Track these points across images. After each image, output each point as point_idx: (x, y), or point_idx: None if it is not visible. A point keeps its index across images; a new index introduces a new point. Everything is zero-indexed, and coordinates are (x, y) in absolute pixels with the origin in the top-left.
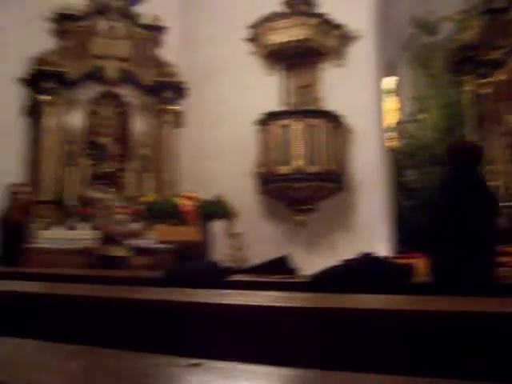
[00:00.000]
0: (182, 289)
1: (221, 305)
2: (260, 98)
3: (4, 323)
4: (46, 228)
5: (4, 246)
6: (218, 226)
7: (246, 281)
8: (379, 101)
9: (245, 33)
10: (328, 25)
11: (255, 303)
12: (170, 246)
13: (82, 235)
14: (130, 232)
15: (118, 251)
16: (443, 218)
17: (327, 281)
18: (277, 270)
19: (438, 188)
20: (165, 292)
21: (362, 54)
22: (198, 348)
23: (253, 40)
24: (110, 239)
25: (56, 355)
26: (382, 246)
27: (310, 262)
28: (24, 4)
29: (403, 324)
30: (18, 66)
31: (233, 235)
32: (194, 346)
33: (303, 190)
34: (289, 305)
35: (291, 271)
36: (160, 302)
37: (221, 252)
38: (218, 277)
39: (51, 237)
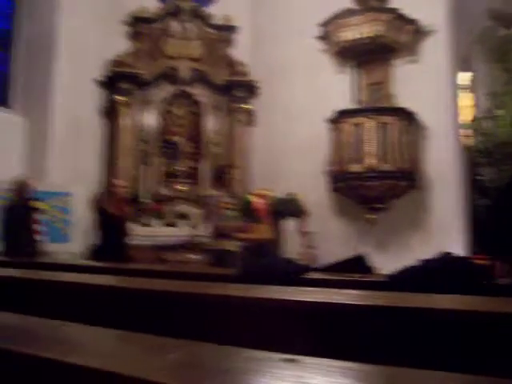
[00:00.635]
0: (260, 285)
1: (301, 302)
2: (331, 96)
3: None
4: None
5: (103, 240)
6: (289, 224)
7: (322, 279)
8: (454, 97)
9: (316, 30)
10: (400, 20)
11: (336, 301)
12: (241, 243)
13: (178, 232)
14: (239, 227)
15: (230, 246)
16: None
17: (406, 280)
18: (353, 269)
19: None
20: (244, 288)
21: (436, 49)
22: (280, 344)
23: (324, 38)
24: (221, 234)
25: (155, 348)
26: (455, 246)
27: (381, 261)
28: (100, 8)
29: (481, 325)
30: (96, 68)
31: (304, 233)
32: (275, 341)
33: (375, 188)
34: (370, 303)
35: (368, 270)
36: (241, 298)
37: (292, 250)
38: (294, 274)
39: (143, 233)
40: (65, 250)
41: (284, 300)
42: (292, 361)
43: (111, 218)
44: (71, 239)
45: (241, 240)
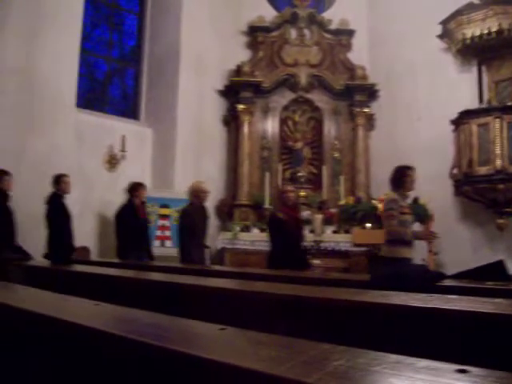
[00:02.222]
0: (395, 292)
1: (443, 310)
2: (455, 96)
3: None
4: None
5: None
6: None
7: (460, 286)
8: None
9: (436, 29)
10: None
11: (485, 310)
12: (366, 248)
13: None
14: (420, 234)
15: (406, 253)
16: None
17: None
18: (491, 276)
19: None
20: (379, 295)
21: None
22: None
23: (445, 36)
24: (398, 241)
25: (316, 355)
26: None
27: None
28: (220, 21)
29: None
30: (218, 79)
31: (429, 239)
32: (411, 349)
33: (506, 191)
34: None
35: (508, 277)
36: (375, 304)
37: (417, 256)
38: (430, 281)
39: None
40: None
41: (423, 308)
42: (464, 372)
43: (285, 225)
44: None
45: (367, 246)
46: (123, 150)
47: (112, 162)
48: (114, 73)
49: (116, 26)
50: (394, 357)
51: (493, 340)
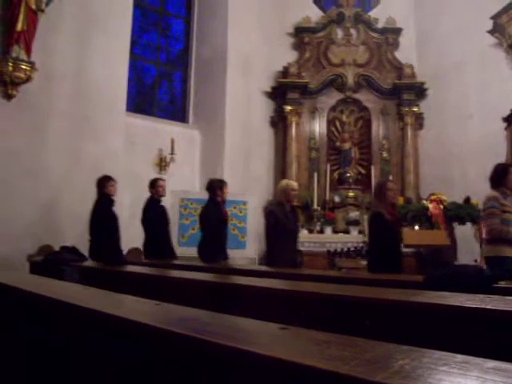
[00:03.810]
0: (451, 293)
1: (504, 312)
2: (507, 93)
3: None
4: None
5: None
6: (464, 230)
7: None
8: None
9: (487, 24)
10: None
11: None
12: (416, 249)
13: (350, 238)
14: None
15: (508, 252)
16: None
17: None
18: None
19: None
20: (435, 296)
21: None
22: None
23: (496, 31)
24: (499, 240)
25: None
26: None
27: None
28: (266, 23)
29: None
30: (265, 80)
31: (480, 240)
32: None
33: None
34: None
35: None
36: (432, 305)
37: (467, 257)
38: (486, 282)
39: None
40: (241, 256)
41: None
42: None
43: (385, 224)
44: (247, 246)
45: (414, 246)
46: (172, 153)
47: (162, 164)
48: (162, 77)
49: (163, 31)
50: (460, 357)
51: None
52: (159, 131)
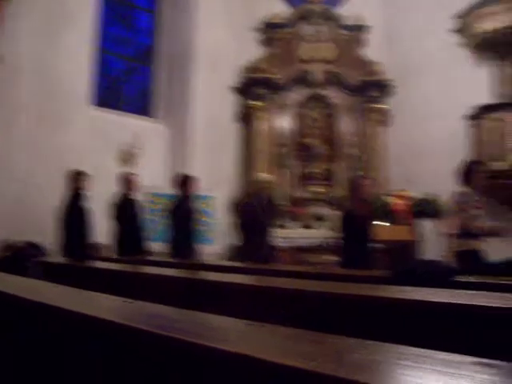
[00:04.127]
0: (416, 288)
1: (461, 305)
2: (469, 92)
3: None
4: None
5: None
6: (429, 225)
7: (474, 282)
8: None
9: (451, 23)
10: None
11: (494, 305)
12: (381, 244)
13: (315, 233)
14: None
15: (476, 245)
16: None
17: None
18: (505, 272)
19: None
20: (399, 290)
21: None
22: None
23: (461, 30)
24: (468, 234)
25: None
26: None
27: None
28: (234, 18)
29: None
30: (232, 76)
31: (444, 235)
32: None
33: None
34: None
35: None
36: (396, 300)
37: (431, 252)
38: (445, 277)
39: (281, 235)
40: (208, 252)
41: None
42: (481, 364)
43: (357, 220)
44: (213, 241)
45: (381, 242)
46: (139, 148)
47: (128, 159)
48: (130, 71)
49: (131, 25)
50: (414, 350)
51: (504, 334)
52: (126, 126)
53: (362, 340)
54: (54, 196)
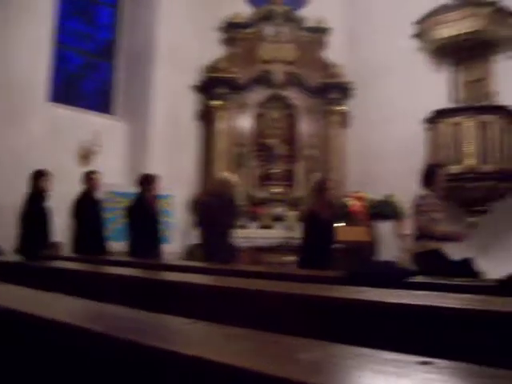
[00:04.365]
0: (371, 288)
1: (411, 305)
2: (428, 96)
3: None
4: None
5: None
6: (386, 227)
7: (430, 283)
8: None
9: (411, 29)
10: (501, 13)
11: (448, 305)
12: (338, 245)
13: (274, 234)
14: (450, 234)
15: (435, 245)
16: None
17: None
18: (459, 273)
19: None
20: (356, 291)
21: None
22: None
23: (420, 35)
24: (426, 236)
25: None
26: None
27: (482, 266)
28: (196, 17)
29: None
30: (193, 74)
31: (401, 236)
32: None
33: (475, 190)
34: (485, 308)
35: (475, 274)
36: (352, 300)
37: (388, 253)
38: (400, 278)
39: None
40: (166, 251)
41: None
42: (427, 363)
43: (322, 223)
44: (171, 240)
45: (339, 242)
46: (97, 145)
47: (86, 156)
48: (89, 66)
49: (91, 19)
50: (360, 350)
51: (457, 334)
52: (84, 122)
53: (315, 340)
54: (12, 194)
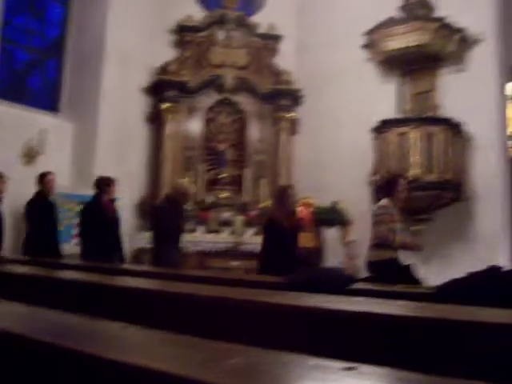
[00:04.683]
0: (313, 294)
1: (354, 312)
2: (376, 106)
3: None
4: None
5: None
6: (332, 233)
7: (370, 289)
8: (502, 107)
9: (361, 39)
10: (448, 29)
11: (388, 312)
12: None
13: (222, 238)
14: (409, 244)
15: (391, 254)
16: None
17: (455, 292)
18: (401, 280)
19: None
20: (297, 297)
21: (484, 59)
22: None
23: (369, 46)
24: (382, 244)
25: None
26: (501, 258)
27: (426, 273)
28: (148, 18)
29: None
30: (143, 76)
31: (347, 243)
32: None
33: (420, 199)
34: (423, 315)
35: (416, 281)
36: (293, 306)
37: (334, 259)
38: (344, 284)
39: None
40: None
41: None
42: (351, 369)
43: (283, 231)
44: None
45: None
46: (42, 144)
47: (30, 156)
48: (36, 63)
49: (40, 15)
50: (287, 356)
51: (391, 340)
52: (28, 121)
53: (234, 345)
54: None
